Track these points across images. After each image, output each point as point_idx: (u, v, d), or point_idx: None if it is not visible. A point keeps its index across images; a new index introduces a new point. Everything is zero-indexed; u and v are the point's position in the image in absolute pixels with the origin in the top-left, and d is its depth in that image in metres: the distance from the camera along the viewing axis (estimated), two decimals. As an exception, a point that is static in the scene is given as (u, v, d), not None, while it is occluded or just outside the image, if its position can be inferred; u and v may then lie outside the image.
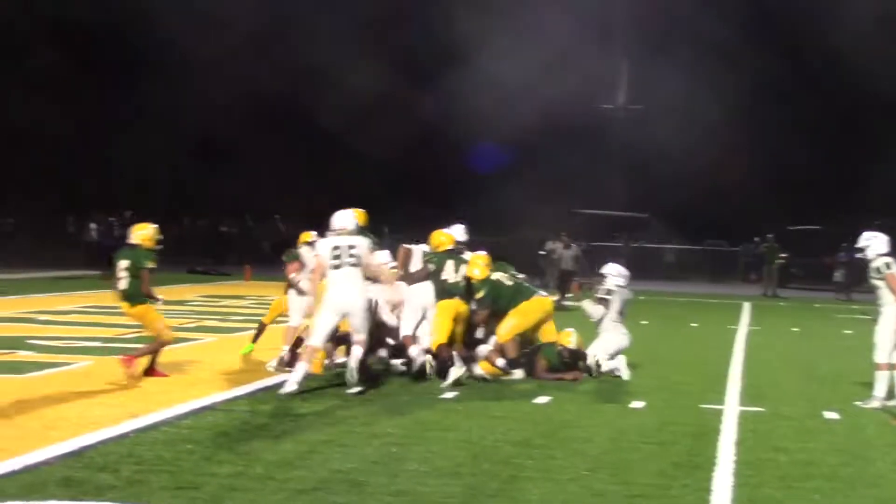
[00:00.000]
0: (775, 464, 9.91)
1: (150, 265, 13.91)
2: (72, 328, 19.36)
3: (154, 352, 14.08)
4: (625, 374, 15.03)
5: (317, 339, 13.33)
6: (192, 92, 47.66)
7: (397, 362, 14.82)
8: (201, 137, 50.73)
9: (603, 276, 16.04)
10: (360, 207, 14.66)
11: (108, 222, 37.71)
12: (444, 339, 14.36)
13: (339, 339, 14.49)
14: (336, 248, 13.39)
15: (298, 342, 14.85)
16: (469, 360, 14.52)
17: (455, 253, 15.00)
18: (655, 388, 14.28)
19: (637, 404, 12.94)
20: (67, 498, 7.83)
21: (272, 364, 14.99)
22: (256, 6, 46.63)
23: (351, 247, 13.37)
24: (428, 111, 47.21)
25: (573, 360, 14.82)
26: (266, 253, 46.29)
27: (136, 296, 13.86)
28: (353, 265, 13.33)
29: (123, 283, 13.86)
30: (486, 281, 14.83)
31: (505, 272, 15.14)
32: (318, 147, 52.65)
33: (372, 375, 13.95)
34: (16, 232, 52.49)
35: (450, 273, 14.74)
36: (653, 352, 15.78)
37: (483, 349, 15.05)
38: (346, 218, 13.77)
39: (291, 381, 12.90)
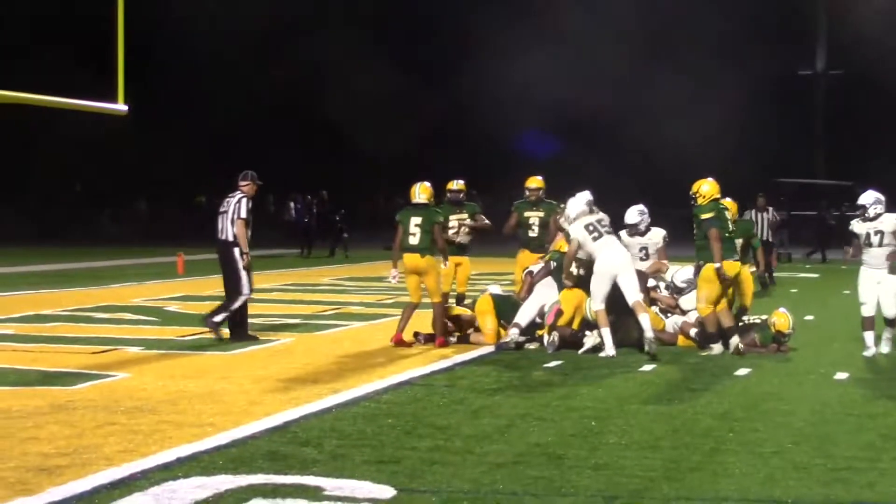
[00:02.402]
0: None
1: (441, 219, 15.07)
2: (273, 306, 19.79)
3: (408, 318, 14.91)
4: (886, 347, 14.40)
5: (599, 303, 13.95)
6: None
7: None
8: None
9: (864, 208, 14.36)
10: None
11: (306, 201, 38.36)
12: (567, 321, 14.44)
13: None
14: (588, 225, 14.16)
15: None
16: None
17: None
18: (859, 359, 13.90)
19: (841, 375, 12.61)
20: (274, 472, 8.00)
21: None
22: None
23: (600, 220, 14.24)
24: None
25: (781, 342, 14.45)
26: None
27: (427, 248, 14.77)
28: (609, 233, 14.21)
29: (415, 239, 14.79)
30: (712, 205, 14.52)
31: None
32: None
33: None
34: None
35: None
36: (856, 322, 15.33)
37: (677, 319, 14.86)
38: (580, 203, 14.39)
39: (608, 345, 13.79)
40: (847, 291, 23.31)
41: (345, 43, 49.82)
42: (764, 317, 14.84)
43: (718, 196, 14.64)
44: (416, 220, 14.85)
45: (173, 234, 45.29)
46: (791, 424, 9.91)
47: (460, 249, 16.60)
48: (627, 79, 49.61)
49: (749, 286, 15.99)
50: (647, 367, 13.02)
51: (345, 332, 15.94)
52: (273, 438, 9.12)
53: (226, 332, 15.16)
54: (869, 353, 14.18)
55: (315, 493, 7.48)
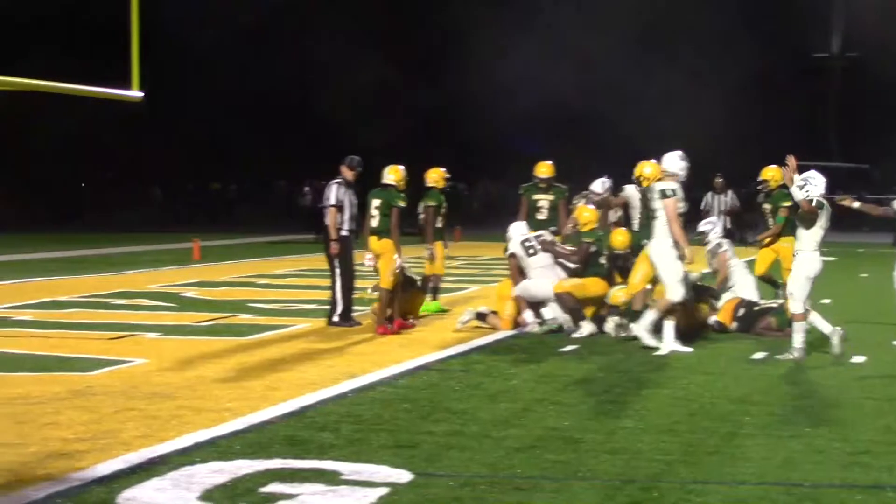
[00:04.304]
0: None
1: (402, 204, 14.80)
2: (289, 291, 19.83)
3: (387, 305, 14.77)
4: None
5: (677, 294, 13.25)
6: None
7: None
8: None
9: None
10: None
11: (320, 187, 38.44)
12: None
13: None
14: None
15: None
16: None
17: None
18: (877, 343, 13.84)
19: (858, 359, 12.57)
20: (291, 456, 8.01)
21: (463, 320, 15.05)
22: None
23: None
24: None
25: None
26: (475, 213, 46.67)
27: (384, 231, 14.76)
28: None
29: (374, 221, 14.79)
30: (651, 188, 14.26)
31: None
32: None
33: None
34: (237, 199, 54.05)
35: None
36: (873, 306, 15.31)
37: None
38: (675, 161, 13.56)
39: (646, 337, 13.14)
40: (865, 275, 23.29)
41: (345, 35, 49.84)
42: (781, 301, 14.80)
43: (661, 177, 14.53)
44: (375, 203, 14.89)
45: (188, 220, 45.39)
46: (809, 408, 9.90)
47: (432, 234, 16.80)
48: (629, 60, 49.26)
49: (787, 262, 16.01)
50: (664, 352, 12.99)
51: (360, 316, 15.93)
52: (290, 423, 9.14)
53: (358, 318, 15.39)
54: None
55: (332, 477, 7.49)
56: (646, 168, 14.44)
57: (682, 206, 13.38)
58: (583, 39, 46.12)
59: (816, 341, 13.94)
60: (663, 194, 13.25)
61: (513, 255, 15.06)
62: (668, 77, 47.97)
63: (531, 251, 14.87)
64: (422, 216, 17.05)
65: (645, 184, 14.30)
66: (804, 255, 12.55)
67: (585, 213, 15.03)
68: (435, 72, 52.68)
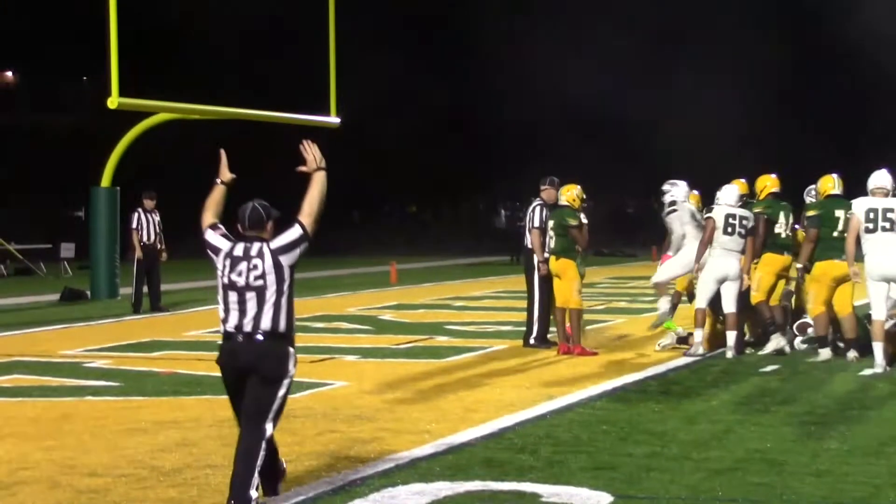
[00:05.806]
0: None
1: (573, 223, 14.66)
2: (485, 313, 19.94)
3: (562, 323, 14.77)
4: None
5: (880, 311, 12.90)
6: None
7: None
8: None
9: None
10: None
11: (515, 208, 38.71)
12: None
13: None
14: (870, 211, 12.75)
15: None
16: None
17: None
18: None
19: None
20: (490, 478, 8.04)
21: (663, 343, 14.89)
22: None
23: (888, 210, 12.69)
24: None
25: None
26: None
27: (562, 252, 14.68)
28: (888, 230, 12.70)
29: (552, 242, 14.78)
30: (825, 201, 13.83)
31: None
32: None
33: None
34: (432, 221, 54.72)
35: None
36: None
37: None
38: (886, 178, 13.06)
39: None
40: None
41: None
42: None
43: (834, 192, 13.84)
44: (551, 223, 14.88)
45: (385, 243, 46.05)
46: None
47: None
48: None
49: None
50: (867, 371, 12.65)
51: (555, 338, 15.93)
52: (489, 445, 9.18)
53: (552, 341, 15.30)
54: None
55: (532, 499, 7.50)
56: (828, 182, 14.01)
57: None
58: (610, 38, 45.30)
59: None
60: None
61: (710, 218, 14.29)
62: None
63: (729, 230, 14.14)
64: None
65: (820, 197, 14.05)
66: None
67: (765, 180, 14.76)
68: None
